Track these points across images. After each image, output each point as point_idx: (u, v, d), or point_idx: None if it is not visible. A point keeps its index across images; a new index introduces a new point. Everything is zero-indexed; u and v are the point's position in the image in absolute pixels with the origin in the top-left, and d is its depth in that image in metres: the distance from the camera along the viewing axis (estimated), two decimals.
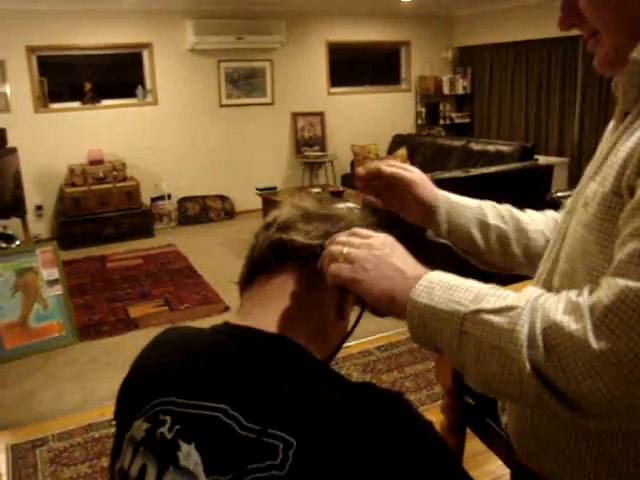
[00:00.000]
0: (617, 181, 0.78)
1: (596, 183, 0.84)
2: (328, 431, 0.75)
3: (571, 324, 0.68)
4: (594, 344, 0.66)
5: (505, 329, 0.73)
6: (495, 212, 1.18)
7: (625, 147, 0.79)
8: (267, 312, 0.92)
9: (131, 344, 3.87)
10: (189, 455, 0.78)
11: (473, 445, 2.16)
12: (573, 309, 0.70)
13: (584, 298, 0.70)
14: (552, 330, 0.70)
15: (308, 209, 0.99)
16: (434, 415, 2.48)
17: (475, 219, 1.16)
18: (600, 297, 0.69)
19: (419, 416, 0.82)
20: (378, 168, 1.10)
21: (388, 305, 0.83)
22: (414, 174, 1.15)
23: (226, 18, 7.08)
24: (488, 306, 0.76)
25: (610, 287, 0.69)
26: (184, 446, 0.79)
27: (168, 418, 0.82)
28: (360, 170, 1.08)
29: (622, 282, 0.68)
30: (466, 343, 0.76)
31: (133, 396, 0.91)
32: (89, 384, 3.46)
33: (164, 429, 0.81)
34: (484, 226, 1.16)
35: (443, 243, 1.22)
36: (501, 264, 1.20)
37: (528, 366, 0.70)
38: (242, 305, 0.97)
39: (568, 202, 1.00)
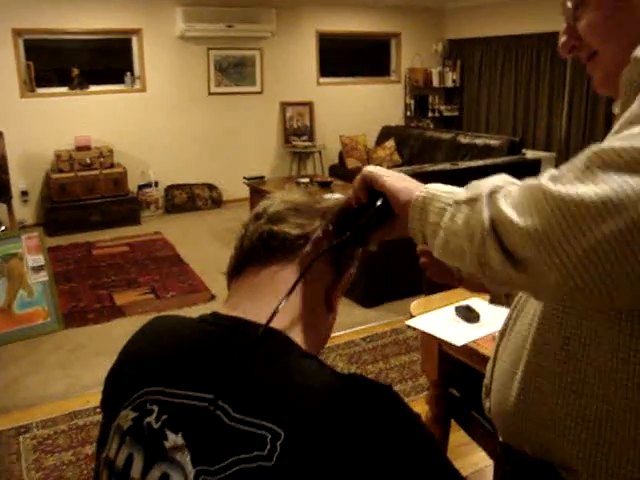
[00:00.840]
0: None
1: None
2: (317, 422, 0.75)
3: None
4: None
5: (476, 185, 0.81)
6: None
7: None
8: (256, 303, 0.91)
9: (117, 332, 3.86)
10: (176, 444, 0.77)
11: (457, 437, 2.19)
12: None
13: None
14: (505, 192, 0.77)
15: (298, 201, 0.98)
16: (419, 406, 2.50)
17: None
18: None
19: (408, 408, 0.82)
20: None
21: (405, 198, 0.90)
22: None
23: (216, 6, 7.03)
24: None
25: None
26: (171, 435, 0.78)
27: (155, 407, 0.82)
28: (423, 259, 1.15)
29: None
30: (448, 210, 0.83)
31: (120, 385, 0.90)
32: (74, 371, 3.45)
33: (151, 418, 0.81)
34: None
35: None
36: None
37: (486, 213, 0.76)
38: (230, 295, 0.96)
39: None
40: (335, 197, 1.05)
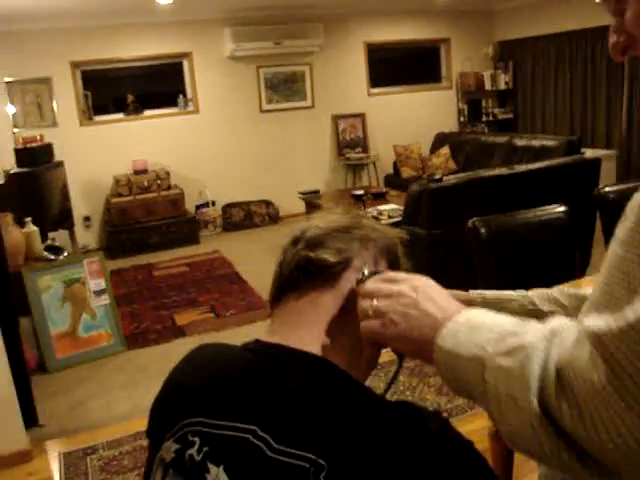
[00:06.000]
0: None
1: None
2: (361, 453, 0.72)
3: (582, 355, 0.59)
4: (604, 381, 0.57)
5: (515, 372, 0.64)
6: (545, 296, 1.07)
7: None
8: (298, 330, 0.89)
9: (178, 351, 3.87)
10: (218, 478, 0.76)
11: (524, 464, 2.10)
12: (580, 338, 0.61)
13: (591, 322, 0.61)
14: (566, 364, 0.60)
15: (336, 225, 0.95)
16: (483, 421, 2.41)
17: (521, 309, 1.06)
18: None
19: (459, 435, 0.78)
20: None
21: (419, 355, 0.80)
22: None
23: (264, 24, 7.11)
24: (504, 348, 0.67)
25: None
26: (213, 468, 0.77)
27: (197, 439, 0.80)
28: None
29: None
30: (488, 391, 0.67)
31: (163, 416, 0.89)
32: (138, 392, 3.51)
33: (193, 451, 0.79)
34: (533, 315, 1.04)
35: None
36: None
37: (537, 407, 0.60)
38: (272, 322, 0.94)
39: None
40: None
